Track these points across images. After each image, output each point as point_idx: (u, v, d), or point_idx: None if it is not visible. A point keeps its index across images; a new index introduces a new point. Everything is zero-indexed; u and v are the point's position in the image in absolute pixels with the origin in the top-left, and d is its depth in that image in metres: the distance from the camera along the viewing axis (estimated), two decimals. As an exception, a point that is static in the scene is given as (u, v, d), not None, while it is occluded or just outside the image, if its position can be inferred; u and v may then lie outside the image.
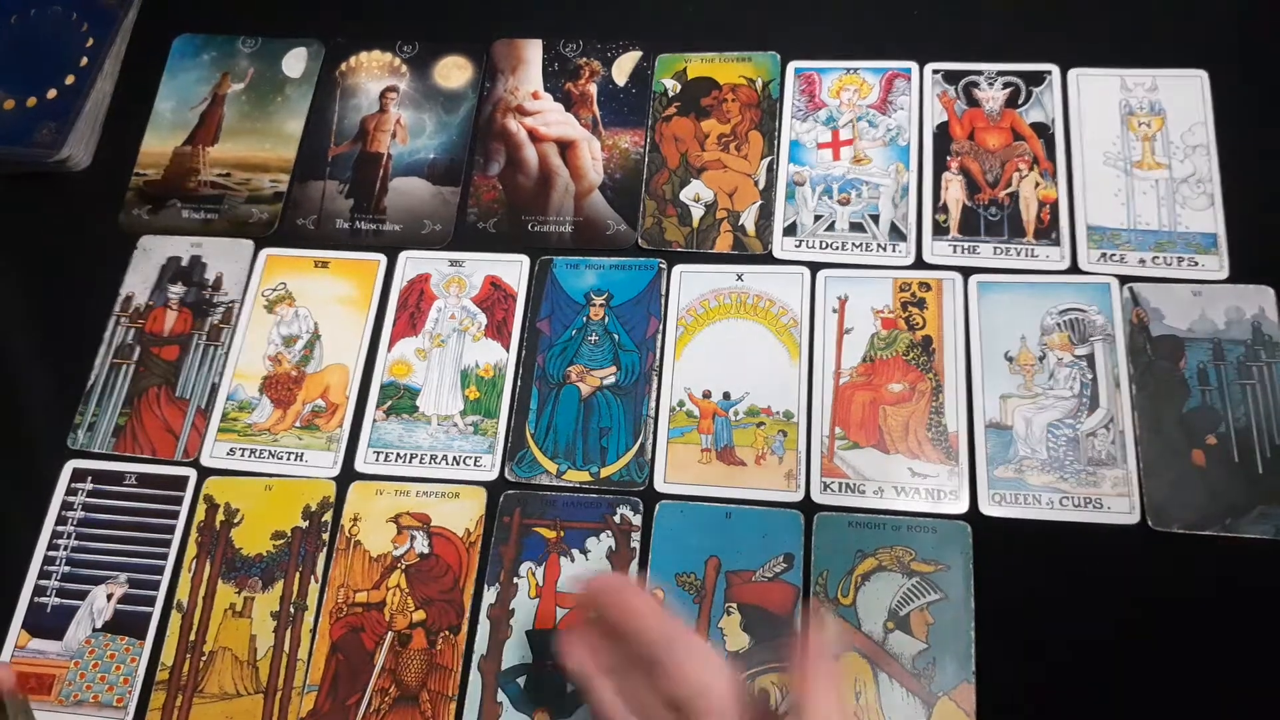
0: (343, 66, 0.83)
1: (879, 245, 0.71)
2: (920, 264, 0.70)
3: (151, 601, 0.65)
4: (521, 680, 0.61)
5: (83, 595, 0.66)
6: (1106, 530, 0.61)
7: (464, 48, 0.83)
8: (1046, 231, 0.70)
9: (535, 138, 0.79)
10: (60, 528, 0.68)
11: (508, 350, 0.71)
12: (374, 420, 0.70)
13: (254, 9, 0.86)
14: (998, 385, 0.66)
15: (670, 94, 0.79)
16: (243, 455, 0.69)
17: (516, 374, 0.70)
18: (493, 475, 0.67)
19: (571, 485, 0.66)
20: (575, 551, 0.64)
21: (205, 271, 0.76)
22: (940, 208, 0.72)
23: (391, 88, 0.82)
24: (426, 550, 0.65)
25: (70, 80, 0.81)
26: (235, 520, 0.67)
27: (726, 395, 0.68)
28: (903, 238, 0.71)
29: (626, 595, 0.50)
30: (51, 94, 0.81)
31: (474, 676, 0.62)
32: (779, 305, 0.70)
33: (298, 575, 0.65)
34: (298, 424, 0.70)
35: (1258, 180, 0.70)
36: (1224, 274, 0.67)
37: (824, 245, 0.72)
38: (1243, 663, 0.58)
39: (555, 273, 0.73)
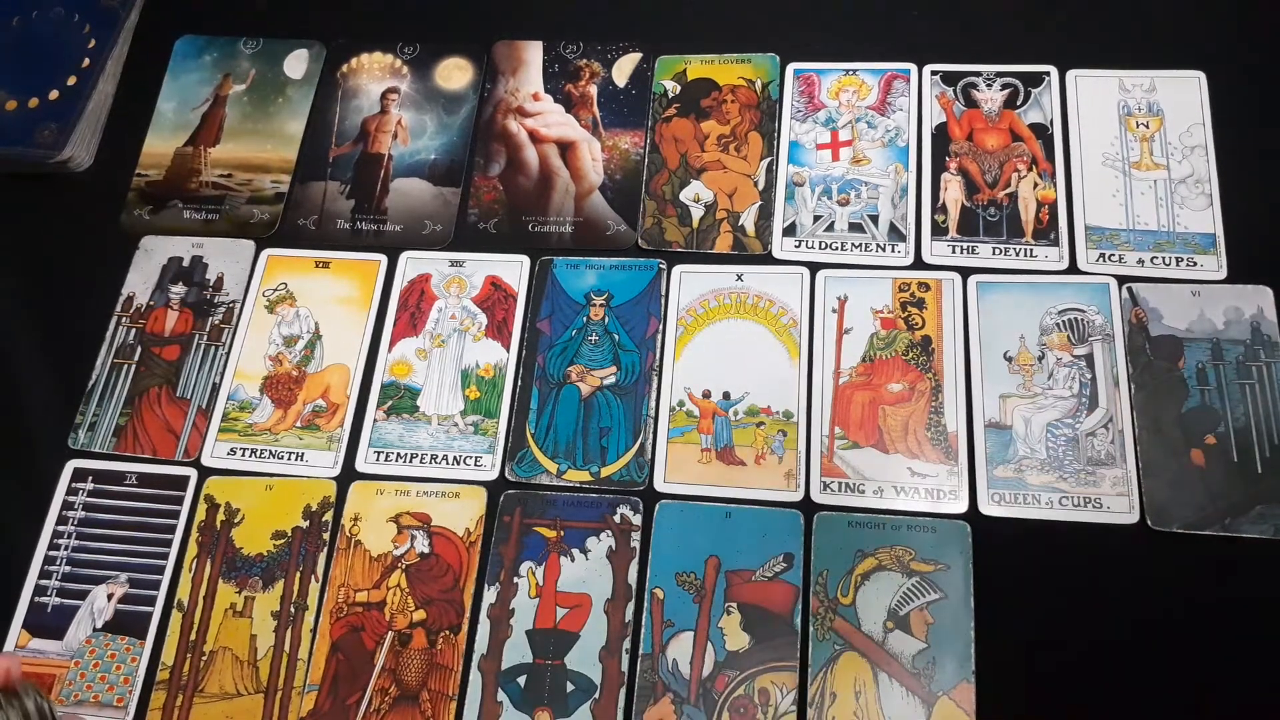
0: (344, 68, 0.83)
1: (878, 245, 0.71)
2: (919, 264, 0.70)
3: (152, 601, 0.65)
4: (521, 680, 0.61)
5: (83, 595, 0.66)
6: (1106, 530, 0.61)
7: (465, 49, 0.83)
8: (1045, 232, 0.70)
9: (536, 139, 0.79)
10: (61, 527, 0.68)
11: (508, 350, 0.71)
12: (374, 420, 0.70)
13: (255, 10, 0.87)
14: (997, 385, 0.66)
15: (670, 95, 0.79)
16: (243, 455, 0.69)
17: (517, 374, 0.71)
18: (493, 475, 0.67)
19: (571, 485, 0.66)
20: (575, 551, 0.64)
21: (206, 272, 0.76)
22: (939, 208, 0.72)
23: (392, 89, 0.82)
24: (427, 550, 0.65)
25: (72, 81, 0.81)
26: (236, 520, 0.67)
27: (726, 395, 0.68)
28: (902, 238, 0.71)
29: None
30: (53, 95, 0.81)
31: (474, 676, 0.62)
32: (779, 305, 0.70)
33: (298, 575, 0.65)
34: (298, 424, 0.70)
35: (1256, 180, 0.70)
36: (1222, 274, 0.68)
37: (823, 245, 0.72)
38: (1242, 662, 0.58)
39: (555, 273, 0.74)
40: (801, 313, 0.70)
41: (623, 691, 0.60)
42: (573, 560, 0.64)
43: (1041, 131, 0.74)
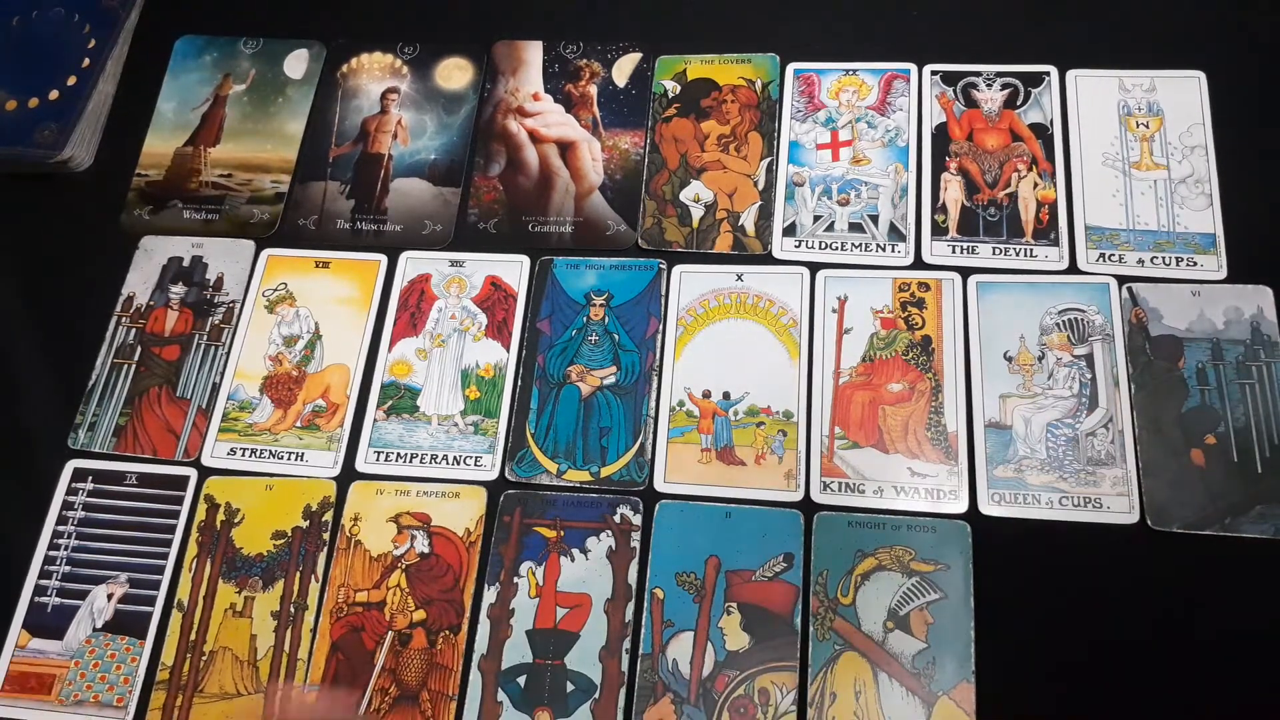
0: (344, 68, 0.83)
1: (878, 245, 0.71)
2: (919, 264, 0.70)
3: (152, 601, 0.65)
4: (521, 680, 0.61)
5: (83, 595, 0.66)
6: (1106, 530, 0.61)
7: (465, 49, 0.83)
8: (1045, 232, 0.70)
9: (536, 139, 0.79)
10: (61, 527, 0.68)
11: (508, 350, 0.71)
12: (374, 420, 0.70)
13: (255, 10, 0.87)
14: (997, 385, 0.66)
15: (670, 95, 0.79)
16: (243, 455, 0.69)
17: (517, 374, 0.71)
18: (493, 475, 0.67)
19: (571, 485, 0.66)
20: (575, 551, 0.64)
21: (206, 272, 0.76)
22: (939, 208, 0.72)
23: (392, 89, 0.82)
24: (427, 550, 0.65)
25: (72, 81, 0.81)
26: (236, 520, 0.67)
27: (726, 395, 0.68)
28: (902, 238, 0.71)
29: None
30: (53, 95, 0.81)
31: (474, 676, 0.62)
32: (779, 305, 0.70)
33: (298, 575, 0.65)
34: (298, 424, 0.70)
35: (1256, 180, 0.70)
36: (1222, 274, 0.68)
37: (823, 245, 0.72)
38: (1242, 663, 0.58)
39: (555, 273, 0.74)
40: (801, 313, 0.70)
41: (623, 691, 0.60)
42: (573, 560, 0.64)
43: (1041, 131, 0.74)
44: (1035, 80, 0.76)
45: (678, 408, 0.68)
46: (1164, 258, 0.69)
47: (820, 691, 0.59)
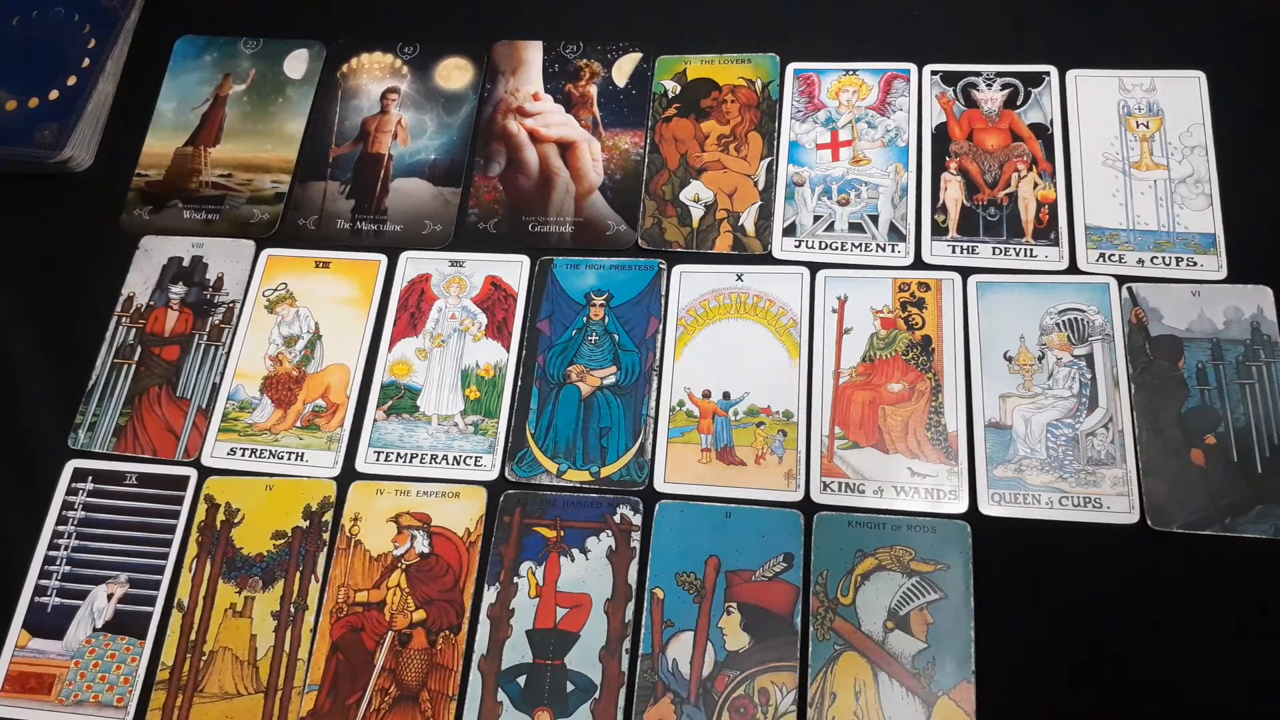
0: (344, 68, 0.83)
1: (878, 245, 0.71)
2: (919, 264, 0.70)
3: (152, 601, 0.65)
4: (521, 680, 0.61)
5: (83, 595, 0.66)
6: (1106, 530, 0.61)
7: (465, 49, 0.83)
8: (1045, 232, 0.70)
9: (536, 139, 0.79)
10: (61, 527, 0.68)
11: (508, 350, 0.71)
12: (374, 420, 0.70)
13: (255, 10, 0.87)
14: (997, 385, 0.66)
15: (670, 95, 0.79)
16: (243, 455, 0.69)
17: (517, 374, 0.71)
18: (493, 475, 0.67)
19: (571, 485, 0.66)
20: (575, 551, 0.64)
21: (206, 272, 0.76)
22: (939, 208, 0.72)
23: (392, 89, 0.82)
24: (427, 550, 0.65)
25: (72, 81, 0.81)
26: (236, 520, 0.67)
27: (726, 395, 0.68)
28: (902, 238, 0.71)
29: None
30: (53, 95, 0.81)
31: (474, 676, 0.62)
32: (779, 305, 0.70)
33: (298, 575, 0.65)
34: (298, 424, 0.70)
35: (1256, 180, 0.70)
36: (1222, 274, 0.68)
37: (823, 245, 0.72)
38: (1242, 663, 0.58)
39: (555, 273, 0.74)
40: (801, 313, 0.70)
41: (623, 691, 0.60)
42: (573, 560, 0.64)
43: (1041, 131, 0.74)
44: (1035, 80, 0.76)
45: (678, 408, 0.68)
46: (1164, 258, 0.69)
47: (820, 691, 0.59)
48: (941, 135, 0.75)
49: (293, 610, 0.64)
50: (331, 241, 0.77)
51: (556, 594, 0.63)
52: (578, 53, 0.82)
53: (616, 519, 0.65)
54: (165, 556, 0.67)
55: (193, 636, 0.64)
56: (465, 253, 0.75)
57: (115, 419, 0.71)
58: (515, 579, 0.64)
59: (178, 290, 0.76)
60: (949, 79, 0.77)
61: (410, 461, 0.68)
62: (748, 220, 0.74)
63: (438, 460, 0.68)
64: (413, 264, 0.75)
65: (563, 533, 0.65)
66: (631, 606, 0.62)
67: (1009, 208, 0.71)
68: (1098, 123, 0.73)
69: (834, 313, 0.70)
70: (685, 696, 0.60)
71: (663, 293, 0.72)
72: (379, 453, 0.69)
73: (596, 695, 0.60)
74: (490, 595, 0.64)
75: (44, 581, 0.67)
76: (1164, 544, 0.61)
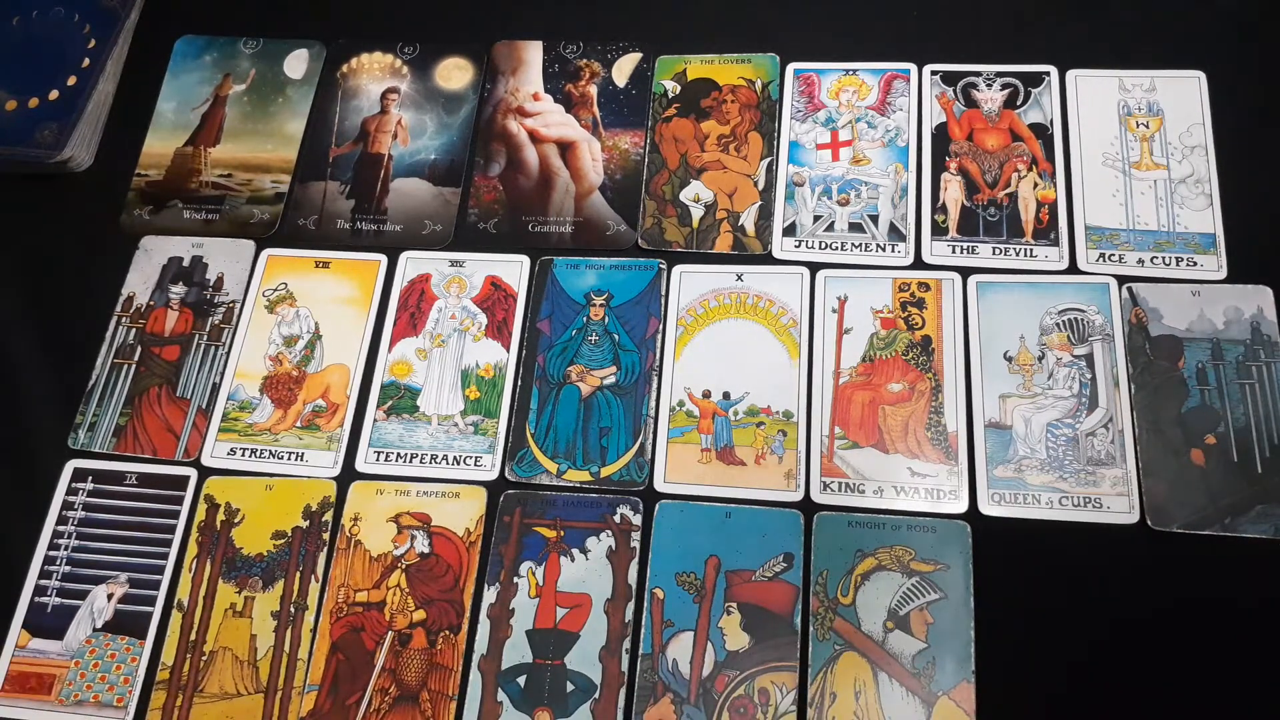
0: (344, 68, 0.83)
1: (878, 245, 0.71)
2: (919, 264, 0.70)
3: (152, 601, 0.65)
4: (521, 680, 0.61)
5: (83, 595, 0.66)
6: (1106, 530, 0.61)
7: (465, 49, 0.83)
8: (1045, 232, 0.70)
9: (536, 139, 0.79)
10: (61, 527, 0.68)
11: (508, 350, 0.71)
12: (374, 420, 0.70)
13: (255, 10, 0.87)
14: (997, 385, 0.66)
15: (670, 95, 0.79)
16: (243, 455, 0.69)
17: (517, 374, 0.71)
18: (493, 475, 0.67)
19: (571, 485, 0.66)
20: (575, 551, 0.64)
21: (206, 272, 0.76)
22: (939, 208, 0.72)
23: (392, 89, 0.82)
24: (427, 550, 0.65)
25: (72, 81, 0.81)
26: (236, 520, 0.67)
27: (726, 395, 0.68)
28: (902, 238, 0.71)
29: None
30: (53, 95, 0.81)
31: (474, 676, 0.62)
32: (779, 305, 0.70)
33: (298, 575, 0.65)
34: (298, 424, 0.70)
35: (1256, 180, 0.70)
36: (1222, 274, 0.68)
37: (823, 245, 0.72)
38: (1242, 662, 0.58)
39: (555, 273, 0.74)
40: (801, 313, 0.70)
41: (623, 691, 0.60)
42: (573, 560, 0.64)
43: (1041, 131, 0.74)
44: (1035, 80, 0.76)
45: (678, 408, 0.68)
46: (1164, 258, 0.69)
47: (820, 691, 0.59)
48: (941, 135, 0.75)
49: (293, 610, 0.64)
50: (331, 241, 0.77)
51: (556, 594, 0.63)
52: (578, 53, 0.82)
53: (616, 519, 0.65)
54: (165, 556, 0.67)
55: (193, 636, 0.64)
56: (465, 253, 0.75)
57: (115, 419, 0.71)
58: (515, 579, 0.64)
59: (178, 290, 0.76)
60: (949, 79, 0.77)
61: (410, 461, 0.68)
62: (748, 220, 0.74)
63: (438, 460, 0.68)
64: (413, 264, 0.75)
65: (563, 533, 0.65)
66: (631, 606, 0.62)
67: (1009, 208, 0.71)
68: (1098, 123, 0.73)
69: (834, 313, 0.70)
70: (685, 696, 0.60)
71: (663, 293, 0.72)
72: (379, 453, 0.69)
73: (596, 695, 0.60)
74: (490, 595, 0.64)
75: (44, 581, 0.67)
76: (1164, 544, 0.61)
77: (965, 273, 0.70)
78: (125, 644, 0.64)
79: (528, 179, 0.78)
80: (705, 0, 0.83)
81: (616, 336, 0.71)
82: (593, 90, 0.80)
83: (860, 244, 0.72)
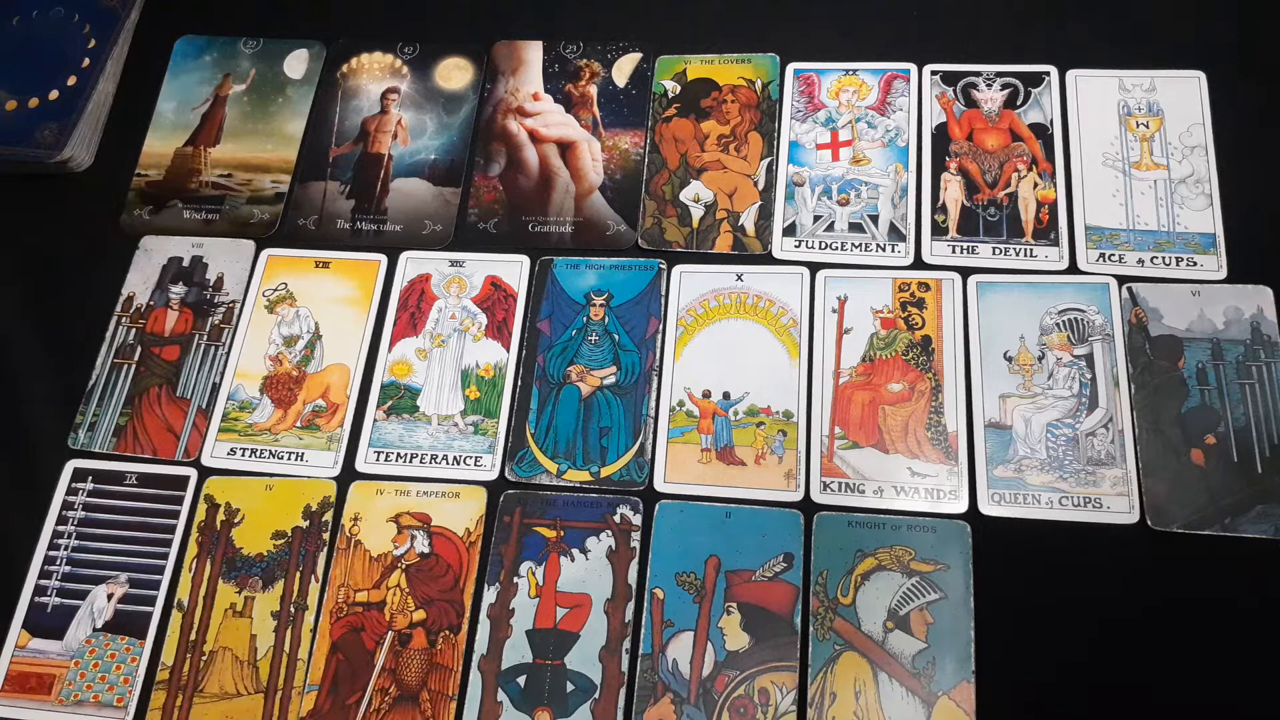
0: (344, 68, 0.83)
1: (878, 245, 0.71)
2: (919, 264, 0.70)
3: (152, 601, 0.65)
4: (521, 680, 0.61)
5: (83, 595, 0.66)
6: (1106, 530, 0.61)
7: (465, 49, 0.83)
8: (1045, 232, 0.70)
9: (536, 139, 0.79)
10: (61, 527, 0.68)
11: (508, 350, 0.71)
12: (374, 420, 0.70)
13: (255, 10, 0.87)
14: (997, 385, 0.66)
15: (670, 95, 0.79)
16: (243, 455, 0.69)
17: (517, 374, 0.71)
18: (493, 475, 0.67)
19: (571, 485, 0.66)
20: (575, 551, 0.64)
21: (206, 272, 0.76)
22: (939, 208, 0.72)
23: (392, 89, 0.82)
24: (427, 550, 0.65)
25: (72, 81, 0.81)
26: (236, 520, 0.67)
27: (726, 395, 0.68)
28: (902, 238, 0.71)
29: None
30: (53, 95, 0.81)
31: (474, 676, 0.62)
32: (779, 305, 0.70)
33: (298, 575, 0.65)
34: (298, 424, 0.70)
35: (1256, 180, 0.70)
36: (1222, 274, 0.68)
37: (823, 245, 0.72)
38: (1242, 662, 0.58)
39: (555, 273, 0.74)
40: (801, 313, 0.70)
41: (623, 691, 0.60)
42: (573, 560, 0.64)
43: (1041, 131, 0.74)
44: (1035, 80, 0.76)
45: (678, 408, 0.68)
46: (1164, 258, 0.69)
47: (820, 691, 0.59)
48: (941, 135, 0.75)
49: (293, 610, 0.64)
50: (331, 241, 0.77)
51: (556, 594, 0.63)
52: (578, 53, 0.82)
53: (616, 519, 0.65)
54: (165, 556, 0.67)
55: (193, 636, 0.64)
56: (465, 253, 0.75)
57: (115, 419, 0.71)
58: (515, 579, 0.64)
59: (178, 290, 0.76)
60: (949, 79, 0.77)
61: (410, 461, 0.68)
62: (748, 220, 0.74)
63: (438, 460, 0.68)
64: (413, 264, 0.75)
65: (563, 533, 0.65)
66: (631, 606, 0.62)
67: (1009, 208, 0.71)
68: (1098, 123, 0.73)
69: (834, 313, 0.70)
70: (685, 696, 0.60)
71: (663, 293, 0.72)
72: (379, 453, 0.69)
73: (596, 695, 0.60)
74: (490, 595, 0.64)
75: (44, 581, 0.67)
76: (1164, 544, 0.61)
77: (965, 273, 0.70)
78: (125, 644, 0.64)
79: (528, 179, 0.78)
80: (705, 0, 0.83)
81: (616, 336, 0.71)
82: (593, 90, 0.80)
83: (860, 244, 0.72)
